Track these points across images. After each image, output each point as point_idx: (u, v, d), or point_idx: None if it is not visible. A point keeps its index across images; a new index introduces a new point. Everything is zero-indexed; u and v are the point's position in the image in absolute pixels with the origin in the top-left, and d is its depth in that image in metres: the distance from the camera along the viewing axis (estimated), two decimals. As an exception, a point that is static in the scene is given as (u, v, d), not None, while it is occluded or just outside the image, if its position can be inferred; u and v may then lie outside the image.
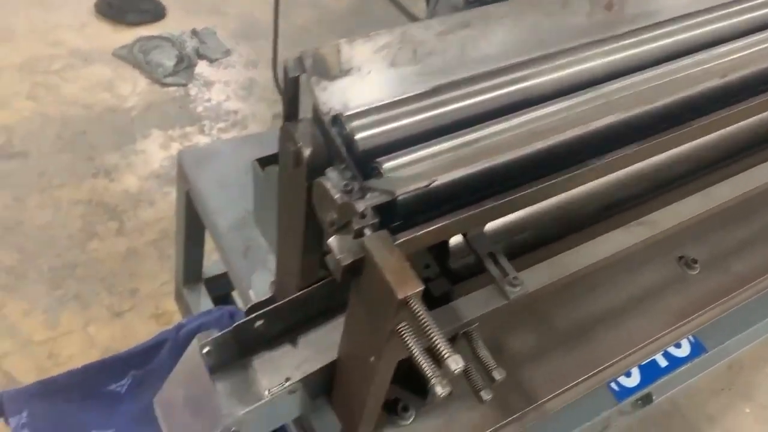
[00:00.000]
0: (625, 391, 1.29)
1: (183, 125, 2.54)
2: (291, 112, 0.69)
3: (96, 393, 1.06)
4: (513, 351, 0.93)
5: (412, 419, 0.86)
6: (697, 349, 1.35)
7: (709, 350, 1.36)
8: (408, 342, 0.60)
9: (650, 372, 1.30)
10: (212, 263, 1.77)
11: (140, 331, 1.24)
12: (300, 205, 0.72)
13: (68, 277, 2.06)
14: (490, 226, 0.80)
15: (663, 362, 1.31)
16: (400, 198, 0.64)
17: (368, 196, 0.61)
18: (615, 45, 0.81)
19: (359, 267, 0.61)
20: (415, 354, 0.59)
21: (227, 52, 2.82)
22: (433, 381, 0.58)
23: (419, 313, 0.56)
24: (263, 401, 0.79)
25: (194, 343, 0.79)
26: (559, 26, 0.79)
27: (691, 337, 1.34)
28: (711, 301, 1.03)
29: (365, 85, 0.69)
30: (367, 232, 0.61)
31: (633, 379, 1.28)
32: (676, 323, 1.01)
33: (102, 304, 2.03)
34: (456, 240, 0.80)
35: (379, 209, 0.62)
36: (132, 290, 2.07)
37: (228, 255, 1.27)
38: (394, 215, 0.63)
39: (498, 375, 0.70)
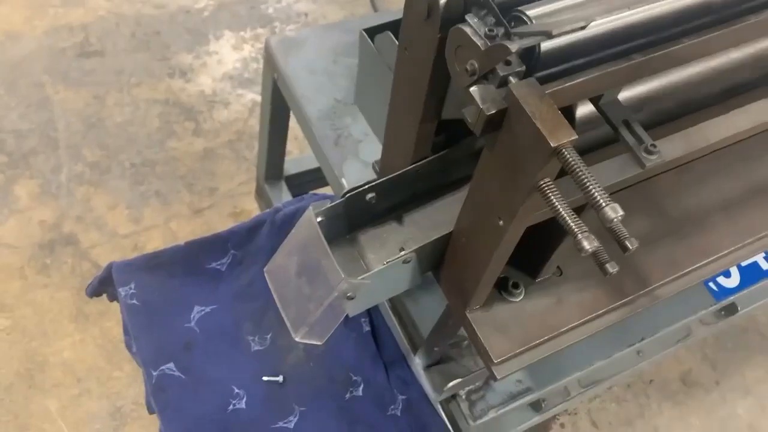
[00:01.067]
0: (724, 291, 1.26)
1: (254, 27, 2.50)
2: (423, -41, 0.65)
3: (198, 270, 1.09)
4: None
5: (521, 297, 0.85)
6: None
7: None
8: (552, 197, 0.57)
9: (751, 273, 1.26)
10: (293, 160, 1.77)
11: (220, 228, 1.25)
12: (427, 64, 0.69)
13: (149, 174, 2.10)
14: (623, 95, 0.75)
15: (765, 264, 1.26)
16: (547, 46, 0.60)
17: (520, 39, 0.57)
18: None
19: (501, 119, 0.58)
20: (560, 209, 0.57)
21: (297, -48, 2.73)
22: (579, 236, 0.56)
23: (573, 162, 0.53)
24: (379, 268, 0.79)
25: (309, 211, 0.79)
26: None
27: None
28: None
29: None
30: (513, 80, 0.57)
31: (733, 280, 1.24)
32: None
33: (182, 201, 2.07)
34: (582, 111, 0.76)
35: (524, 57, 0.58)
36: (211, 189, 2.10)
37: (319, 143, 1.25)
38: (539, 66, 0.60)
39: (631, 244, 0.67)
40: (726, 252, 0.93)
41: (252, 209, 2.07)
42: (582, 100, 0.71)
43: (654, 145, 0.69)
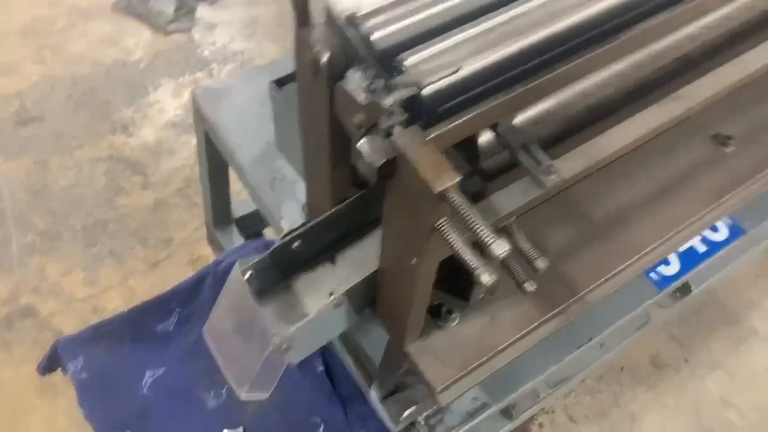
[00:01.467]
0: (665, 279, 1.29)
1: (192, 71, 2.51)
2: (303, 19, 0.67)
3: (146, 334, 1.09)
4: (551, 246, 0.92)
5: (457, 321, 0.87)
6: (735, 231, 1.34)
7: (747, 231, 1.36)
8: (449, 237, 0.60)
9: (689, 258, 1.30)
10: (241, 201, 1.78)
11: (179, 278, 1.26)
12: (324, 117, 0.71)
13: (101, 234, 2.09)
14: (520, 118, 0.78)
15: (702, 247, 1.31)
16: (426, 92, 0.63)
17: (394, 92, 0.59)
18: None
19: (392, 167, 0.61)
20: (458, 248, 0.59)
21: (225, -8, 2.75)
22: (478, 271, 0.58)
23: (458, 204, 0.56)
24: (310, 317, 0.80)
25: (236, 269, 0.80)
26: None
27: (728, 219, 1.33)
28: (747, 178, 1.00)
29: (375, -19, 0.66)
30: (397, 129, 0.60)
31: (672, 267, 1.28)
32: (712, 203, 0.98)
33: (138, 257, 2.06)
34: (485, 138, 0.78)
35: (406, 106, 0.61)
36: (165, 240, 2.10)
37: (255, 189, 1.27)
38: (423, 111, 0.62)
39: (542, 264, 0.69)
40: (650, 249, 0.96)
41: (210, 254, 2.07)
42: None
43: (552, 165, 0.72)
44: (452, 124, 0.60)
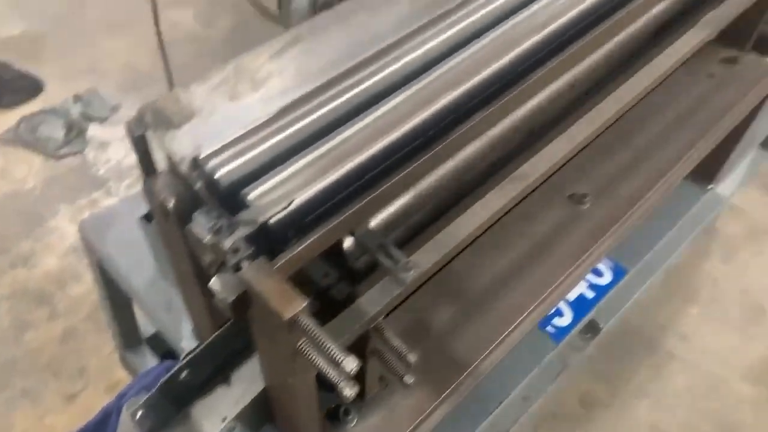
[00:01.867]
0: (562, 331, 1.36)
1: (89, 192, 2.49)
2: (148, 169, 0.71)
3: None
4: (436, 325, 0.97)
5: (355, 421, 0.89)
6: (618, 272, 1.43)
7: (630, 270, 1.45)
8: (311, 356, 0.63)
9: (581, 306, 1.38)
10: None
11: (98, 407, 1.22)
12: (183, 255, 0.74)
13: (10, 374, 2.00)
14: (375, 221, 0.83)
15: (590, 293, 1.38)
16: (272, 222, 0.67)
17: (236, 231, 0.63)
18: (444, 24, 0.85)
19: (245, 301, 0.64)
20: (320, 366, 0.62)
21: (115, 109, 2.77)
22: (340, 386, 0.61)
23: (308, 328, 0.59)
24: (203, 448, 0.80)
25: (124, 412, 0.80)
26: (387, 19, 0.82)
27: (609, 262, 1.42)
28: (606, 229, 1.09)
29: (212, 125, 0.71)
30: (245, 264, 0.63)
31: (566, 318, 1.35)
32: (579, 257, 1.05)
33: (53, 391, 1.98)
34: (349, 243, 0.83)
35: (254, 239, 0.64)
36: (80, 369, 2.03)
37: (152, 313, 1.27)
38: (268, 242, 0.66)
39: (412, 358, 0.73)
40: (528, 311, 1.02)
41: (128, 377, 2.01)
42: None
43: (408, 262, 0.77)
44: (295, 252, 0.64)
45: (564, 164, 1.04)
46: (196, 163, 0.69)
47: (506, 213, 1.00)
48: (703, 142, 1.24)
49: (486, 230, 0.98)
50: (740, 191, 2.62)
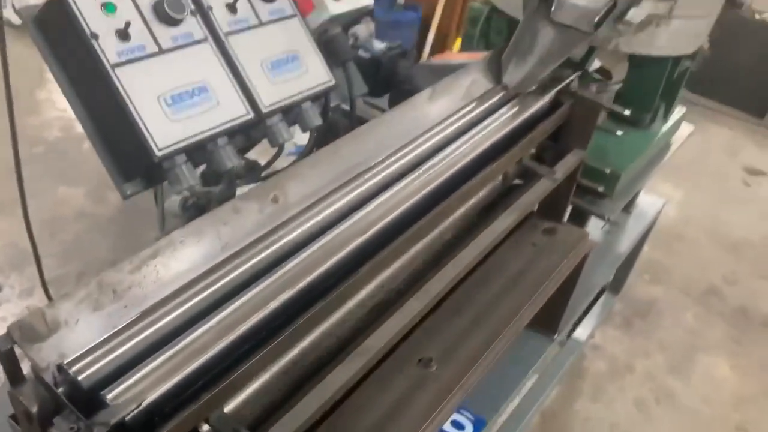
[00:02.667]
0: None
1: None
2: (14, 378, 0.79)
3: None
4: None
5: None
6: (479, 423, 1.56)
7: (488, 420, 1.58)
8: None
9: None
10: None
11: None
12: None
13: None
14: (233, 404, 0.93)
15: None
16: (128, 419, 0.76)
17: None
18: (292, 225, 1.02)
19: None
20: None
21: (-3, 290, 2.75)
22: None
23: None
24: None
25: None
26: (238, 228, 0.98)
27: (469, 414, 1.55)
28: (453, 387, 1.23)
29: (77, 334, 0.81)
30: (102, 464, 0.71)
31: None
32: (431, 415, 1.18)
33: None
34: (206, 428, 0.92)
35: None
36: None
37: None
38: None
39: None
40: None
41: None
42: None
43: (260, 442, 0.87)
44: (146, 445, 0.73)
45: (409, 333, 1.20)
46: (61, 369, 0.78)
47: (360, 382, 1.13)
48: (533, 301, 1.45)
49: (343, 399, 1.10)
50: (601, 331, 2.90)
